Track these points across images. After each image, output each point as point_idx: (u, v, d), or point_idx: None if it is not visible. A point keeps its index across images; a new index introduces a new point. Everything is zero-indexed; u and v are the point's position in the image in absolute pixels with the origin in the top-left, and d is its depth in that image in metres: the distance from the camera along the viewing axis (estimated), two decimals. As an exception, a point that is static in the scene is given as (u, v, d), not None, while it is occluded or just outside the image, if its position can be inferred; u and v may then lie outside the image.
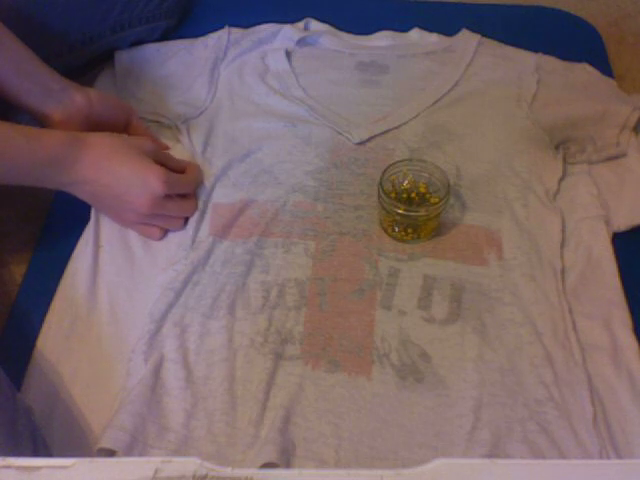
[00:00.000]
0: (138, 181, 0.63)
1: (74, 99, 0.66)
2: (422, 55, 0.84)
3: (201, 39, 0.86)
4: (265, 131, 0.75)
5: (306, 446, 0.54)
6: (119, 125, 0.71)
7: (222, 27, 0.86)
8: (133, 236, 0.68)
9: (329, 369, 0.58)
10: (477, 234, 0.67)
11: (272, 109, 0.78)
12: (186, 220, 0.68)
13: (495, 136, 0.74)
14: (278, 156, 0.73)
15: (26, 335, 0.62)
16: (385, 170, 0.66)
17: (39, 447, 0.50)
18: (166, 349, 0.58)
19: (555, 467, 0.34)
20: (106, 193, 0.63)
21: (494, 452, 0.53)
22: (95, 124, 0.67)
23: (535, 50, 0.83)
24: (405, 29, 0.88)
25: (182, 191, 0.68)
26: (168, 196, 0.65)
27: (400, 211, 0.63)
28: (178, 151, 0.74)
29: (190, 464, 0.32)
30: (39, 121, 0.66)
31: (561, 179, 0.71)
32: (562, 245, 0.66)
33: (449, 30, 0.86)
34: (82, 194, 0.64)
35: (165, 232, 0.68)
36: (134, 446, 0.52)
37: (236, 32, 0.86)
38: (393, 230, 0.66)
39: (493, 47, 0.85)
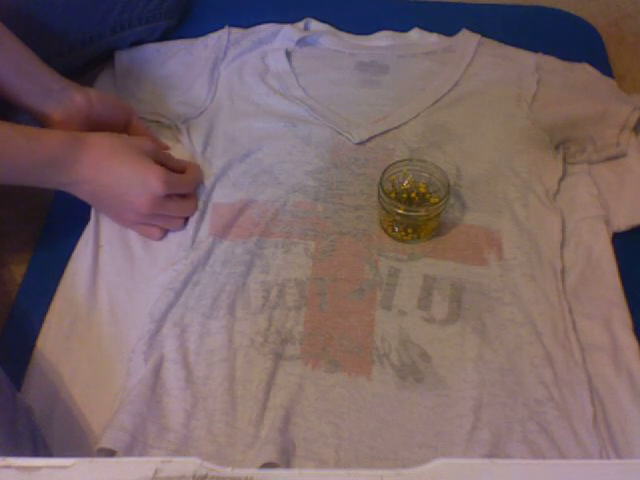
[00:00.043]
0: (138, 181, 0.63)
1: (74, 99, 0.66)
2: (422, 55, 0.84)
3: (201, 39, 0.86)
4: (265, 131, 0.75)
5: (306, 446, 0.54)
6: (119, 125, 0.71)
7: (222, 27, 0.86)
8: (133, 236, 0.68)
9: (329, 369, 0.58)
10: (477, 234, 0.67)
11: (272, 109, 0.78)
12: (186, 220, 0.68)
13: (495, 136, 0.74)
14: (278, 156, 0.73)
15: (26, 335, 0.62)
16: (385, 170, 0.66)
17: (39, 447, 0.50)
18: (166, 349, 0.58)
19: (555, 467, 0.34)
20: (106, 193, 0.63)
21: (494, 452, 0.53)
22: (95, 124, 0.67)
23: (535, 50, 0.83)
24: (405, 29, 0.88)
25: (182, 191, 0.68)
26: (168, 196, 0.65)
27: (400, 211, 0.63)
28: (178, 151, 0.74)
29: (190, 464, 0.32)
30: (39, 121, 0.66)
31: (561, 179, 0.71)
32: (562, 245, 0.66)
33: (449, 30, 0.86)
34: (82, 194, 0.64)
35: (165, 232, 0.68)
36: (134, 446, 0.52)
37: (236, 32, 0.86)
38: (393, 230, 0.66)
39: (493, 47, 0.85)
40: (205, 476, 0.32)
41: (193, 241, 0.66)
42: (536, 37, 0.87)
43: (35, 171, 0.60)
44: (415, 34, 0.87)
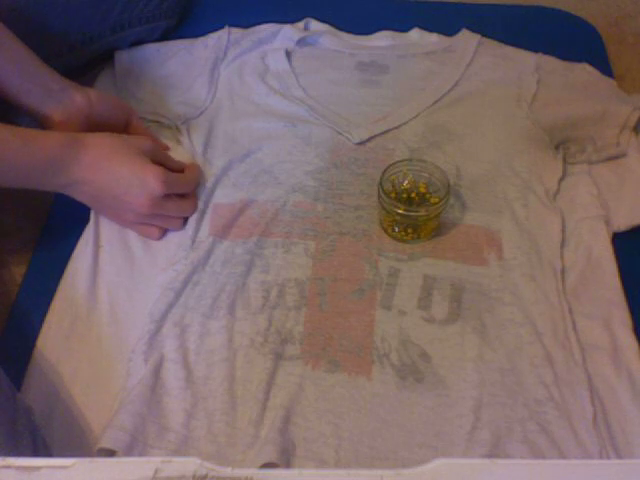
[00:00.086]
0: (137, 181, 0.63)
1: (74, 99, 0.66)
2: (422, 55, 0.84)
3: (201, 39, 0.86)
4: (265, 131, 0.75)
5: (306, 446, 0.54)
6: (119, 125, 0.71)
7: (222, 27, 0.86)
8: (133, 236, 0.68)
9: (329, 369, 0.58)
10: (477, 234, 0.67)
11: (272, 109, 0.78)
12: (186, 220, 0.68)
13: (495, 136, 0.74)
14: (278, 156, 0.73)
15: (26, 335, 0.62)
16: (385, 170, 0.66)
17: (39, 447, 0.50)
18: (166, 349, 0.58)
19: (555, 467, 0.34)
20: (105, 193, 0.63)
21: (494, 452, 0.53)
22: (95, 124, 0.67)
23: (535, 50, 0.83)
24: (405, 29, 0.88)
25: (181, 191, 0.67)
26: (167, 196, 0.65)
27: (400, 211, 0.63)
28: (179, 152, 0.74)
29: (190, 464, 0.32)
30: (39, 121, 0.66)
31: (561, 179, 0.71)
32: (562, 245, 0.66)
33: (449, 30, 0.86)
34: (81, 195, 0.64)
35: (164, 232, 0.68)
36: (134, 446, 0.52)
37: (236, 32, 0.86)
38: (393, 230, 0.66)
39: (493, 47, 0.85)
40: (205, 476, 0.32)
41: (193, 241, 0.66)
42: (536, 37, 0.87)
43: (34, 173, 0.59)
44: (415, 34, 0.87)
